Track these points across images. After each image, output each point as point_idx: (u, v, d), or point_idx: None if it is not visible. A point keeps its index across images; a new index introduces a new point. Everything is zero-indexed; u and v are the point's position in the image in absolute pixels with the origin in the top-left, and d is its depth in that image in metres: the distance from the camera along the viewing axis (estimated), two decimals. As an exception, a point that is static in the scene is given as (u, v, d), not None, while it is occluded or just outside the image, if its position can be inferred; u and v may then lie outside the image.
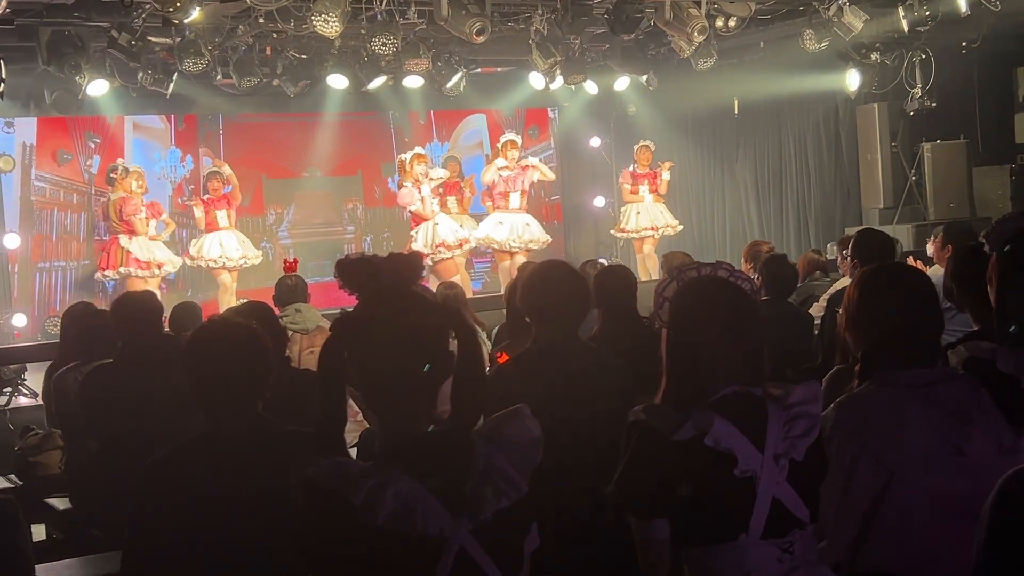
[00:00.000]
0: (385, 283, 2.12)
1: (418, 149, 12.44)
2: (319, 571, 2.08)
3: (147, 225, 11.72)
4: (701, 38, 10.72)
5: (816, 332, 6.46)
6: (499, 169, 12.43)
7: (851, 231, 10.44)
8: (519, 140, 12.95)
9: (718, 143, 14.95)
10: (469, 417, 2.14)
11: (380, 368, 2.10)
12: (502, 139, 12.78)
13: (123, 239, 11.67)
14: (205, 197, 12.18)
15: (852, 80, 12.39)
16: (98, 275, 11.97)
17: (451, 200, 13.07)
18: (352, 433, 5.54)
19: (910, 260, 7.92)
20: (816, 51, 11.38)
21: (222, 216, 11.99)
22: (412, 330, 2.10)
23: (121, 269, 11.56)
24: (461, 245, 11.90)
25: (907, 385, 2.70)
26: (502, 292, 8.43)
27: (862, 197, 12.94)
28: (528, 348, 3.83)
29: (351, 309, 2.16)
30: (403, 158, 12.18)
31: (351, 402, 2.22)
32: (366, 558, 1.97)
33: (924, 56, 11.93)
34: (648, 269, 12.58)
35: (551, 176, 13.26)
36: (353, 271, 2.14)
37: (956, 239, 6.43)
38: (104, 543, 4.65)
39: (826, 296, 6.66)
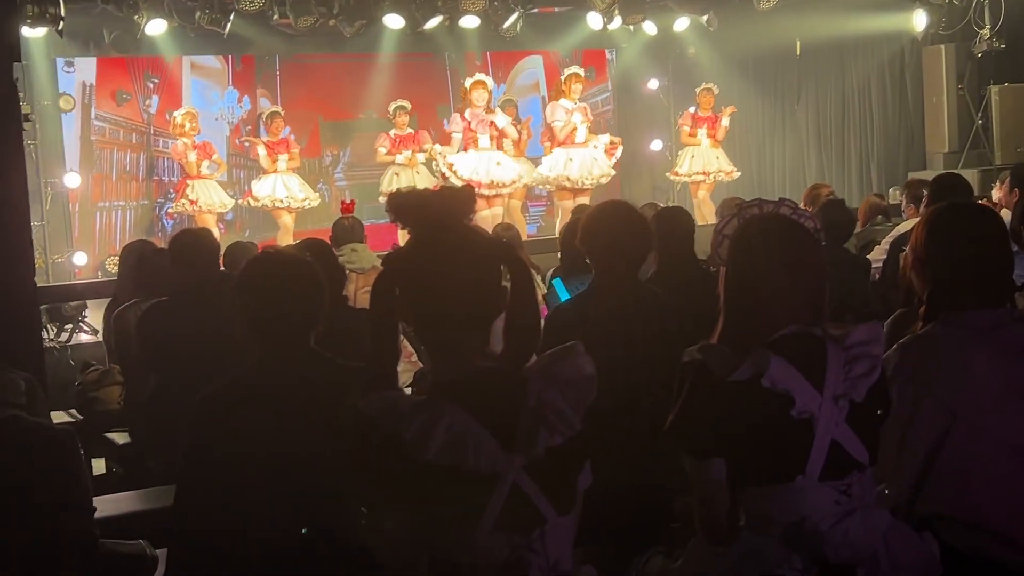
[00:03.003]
0: (436, 218, 2.10)
1: (480, 76, 11.87)
2: (371, 504, 2.08)
3: (198, 167, 11.77)
4: (764, -23, 10.51)
5: (876, 278, 6.37)
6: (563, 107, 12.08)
7: (915, 175, 10.26)
8: (583, 73, 12.52)
9: (779, 86, 14.70)
10: (522, 354, 2.12)
11: (432, 304, 2.08)
12: (565, 72, 12.11)
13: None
14: (265, 139, 12.19)
15: (919, 21, 12.10)
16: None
17: (507, 143, 12.97)
18: (405, 373, 5.56)
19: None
20: (882, -10, 11.12)
21: (283, 160, 12.01)
22: (464, 265, 2.07)
23: None
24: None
25: (973, 327, 2.64)
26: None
27: (927, 141, 12.68)
28: (587, 288, 3.81)
29: (403, 245, 2.14)
30: (465, 85, 11.75)
31: (405, 342, 2.20)
32: (418, 492, 1.97)
33: (994, -5, 11.62)
34: (703, 214, 12.43)
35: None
36: (404, 205, 2.12)
37: (1023, 183, 6.28)
38: (162, 476, 4.72)
39: (888, 239, 6.55)
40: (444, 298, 2.06)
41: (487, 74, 14.43)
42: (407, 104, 12.51)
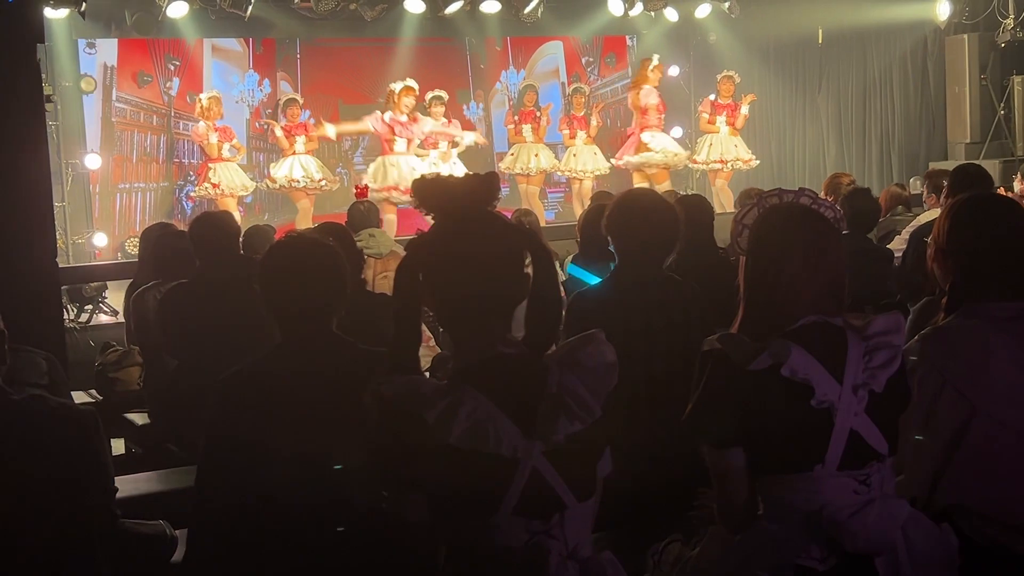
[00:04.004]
0: (460, 203, 2.10)
1: (410, 81, 11.70)
2: (391, 488, 2.09)
3: (219, 149, 11.77)
4: (786, -36, 10.46)
5: (896, 267, 6.35)
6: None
7: (936, 166, 10.20)
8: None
9: (800, 74, 14.63)
10: (543, 340, 2.13)
11: (455, 289, 2.09)
12: (653, 62, 12.61)
13: None
14: (283, 123, 12.19)
15: (942, 10, 12.04)
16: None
17: (527, 129, 12.98)
18: (424, 358, 5.56)
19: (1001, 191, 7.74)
20: (906, -21, 11.06)
21: (300, 142, 12.00)
22: (487, 251, 2.08)
23: None
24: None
25: (995, 318, 2.63)
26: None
27: (948, 131, 12.62)
28: (609, 276, 3.80)
29: (427, 230, 2.15)
30: (392, 87, 11.56)
31: (424, 327, 2.21)
32: (438, 475, 1.98)
33: (1018, -15, 11.55)
34: (722, 202, 12.41)
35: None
36: (429, 191, 2.12)
37: (1046, 174, 6.25)
38: (181, 457, 4.76)
39: (908, 230, 6.52)
40: (467, 284, 2.07)
41: (507, 60, 14.47)
42: (444, 94, 12.42)
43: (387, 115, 11.41)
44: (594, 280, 5.20)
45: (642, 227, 3.68)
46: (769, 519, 2.36)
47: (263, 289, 2.81)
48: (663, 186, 11.69)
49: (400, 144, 11.33)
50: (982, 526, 2.57)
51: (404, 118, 11.34)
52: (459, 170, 11.70)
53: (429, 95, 12.31)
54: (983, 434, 2.57)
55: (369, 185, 10.98)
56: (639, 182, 12.00)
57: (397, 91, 11.38)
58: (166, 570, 3.18)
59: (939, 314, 2.75)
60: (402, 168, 11.19)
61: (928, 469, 2.63)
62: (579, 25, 14.52)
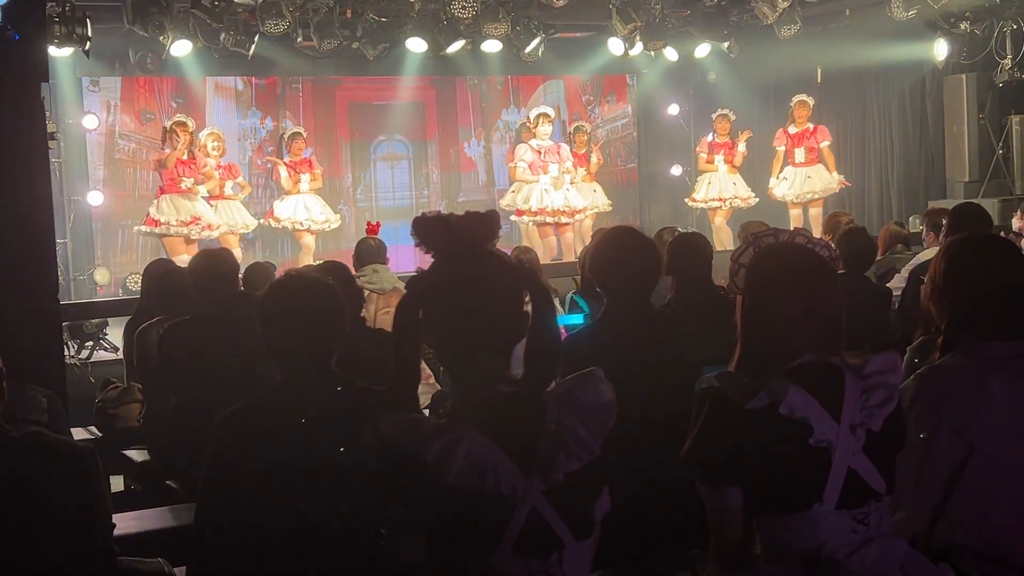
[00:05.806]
0: (461, 242, 2.12)
1: (180, 116, 11.85)
2: (390, 526, 2.10)
3: (221, 187, 11.80)
4: (785, 4, 10.57)
5: (895, 306, 6.36)
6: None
7: (935, 204, 10.23)
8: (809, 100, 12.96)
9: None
10: (542, 379, 2.14)
11: (454, 327, 2.10)
12: (794, 100, 12.74)
13: None
14: (286, 159, 12.24)
15: (940, 50, 12.10)
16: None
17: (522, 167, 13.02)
18: (424, 395, 5.57)
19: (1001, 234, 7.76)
20: (904, 19, 11.13)
21: (304, 180, 12.04)
22: (487, 289, 2.09)
23: None
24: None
25: (992, 358, 2.64)
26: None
27: (947, 170, 12.65)
28: (599, 316, 3.81)
29: (427, 268, 2.16)
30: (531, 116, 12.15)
31: (423, 365, 2.23)
32: (437, 514, 1.98)
33: (1015, 26, 11.62)
34: (721, 240, 12.45)
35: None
36: (429, 229, 2.14)
37: (1044, 213, 6.28)
38: (181, 495, 4.75)
39: (907, 268, 6.54)
40: (466, 322, 2.09)
41: (508, 98, 14.54)
42: (550, 111, 12.45)
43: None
44: (570, 320, 5.23)
45: (621, 264, 3.70)
46: (767, 558, 2.36)
47: (262, 327, 2.82)
48: (816, 212, 12.23)
49: (186, 182, 11.36)
50: (981, 565, 2.57)
51: (185, 156, 11.40)
52: (572, 196, 11.96)
53: (533, 112, 12.37)
54: (981, 473, 2.57)
55: (163, 220, 11.20)
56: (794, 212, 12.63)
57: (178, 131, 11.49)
58: (164, 608, 3.18)
59: (935, 353, 2.76)
60: (186, 203, 11.31)
61: (926, 508, 2.63)
62: (580, 64, 14.61)
